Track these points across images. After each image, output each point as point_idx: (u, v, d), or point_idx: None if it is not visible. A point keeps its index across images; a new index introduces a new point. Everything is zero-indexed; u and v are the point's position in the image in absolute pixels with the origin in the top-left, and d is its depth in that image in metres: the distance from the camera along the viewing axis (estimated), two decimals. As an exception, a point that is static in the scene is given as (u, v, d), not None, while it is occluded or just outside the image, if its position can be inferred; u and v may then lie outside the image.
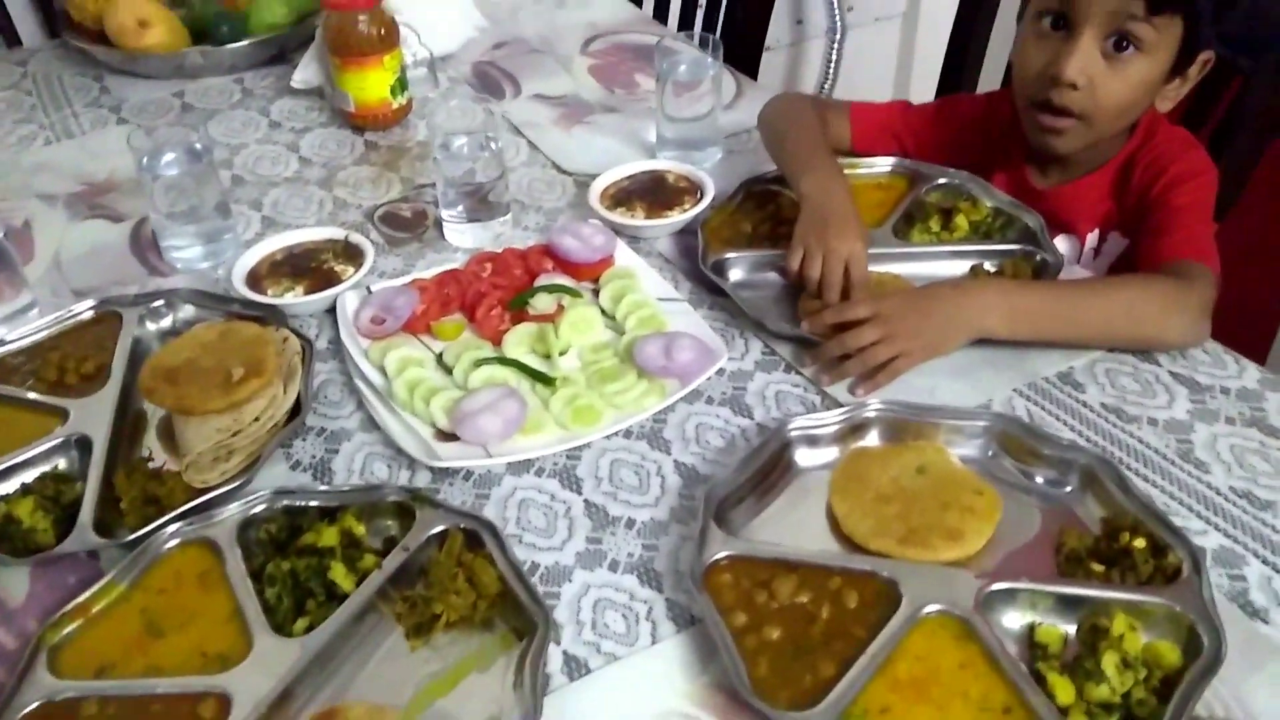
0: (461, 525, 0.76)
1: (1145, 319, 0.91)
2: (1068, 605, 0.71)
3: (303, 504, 0.79)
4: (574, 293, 0.99)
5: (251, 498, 0.79)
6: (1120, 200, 1.07)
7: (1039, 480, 0.82)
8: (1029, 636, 0.70)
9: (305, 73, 1.40)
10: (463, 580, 0.73)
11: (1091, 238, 1.11)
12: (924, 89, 2.63)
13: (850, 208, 0.99)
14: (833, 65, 2.49)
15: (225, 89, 1.46)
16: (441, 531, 0.76)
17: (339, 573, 0.74)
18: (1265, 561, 0.75)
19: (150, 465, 0.86)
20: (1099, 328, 0.92)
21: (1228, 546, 0.76)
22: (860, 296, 0.94)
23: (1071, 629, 0.70)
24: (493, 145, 1.09)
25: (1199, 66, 1.00)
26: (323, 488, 0.82)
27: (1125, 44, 0.95)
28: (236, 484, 0.82)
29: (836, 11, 2.42)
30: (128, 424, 0.90)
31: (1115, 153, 1.06)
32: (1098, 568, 0.73)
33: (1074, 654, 0.69)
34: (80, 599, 0.72)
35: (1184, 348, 0.93)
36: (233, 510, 0.78)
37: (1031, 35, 1.00)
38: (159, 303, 1.01)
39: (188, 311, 1.02)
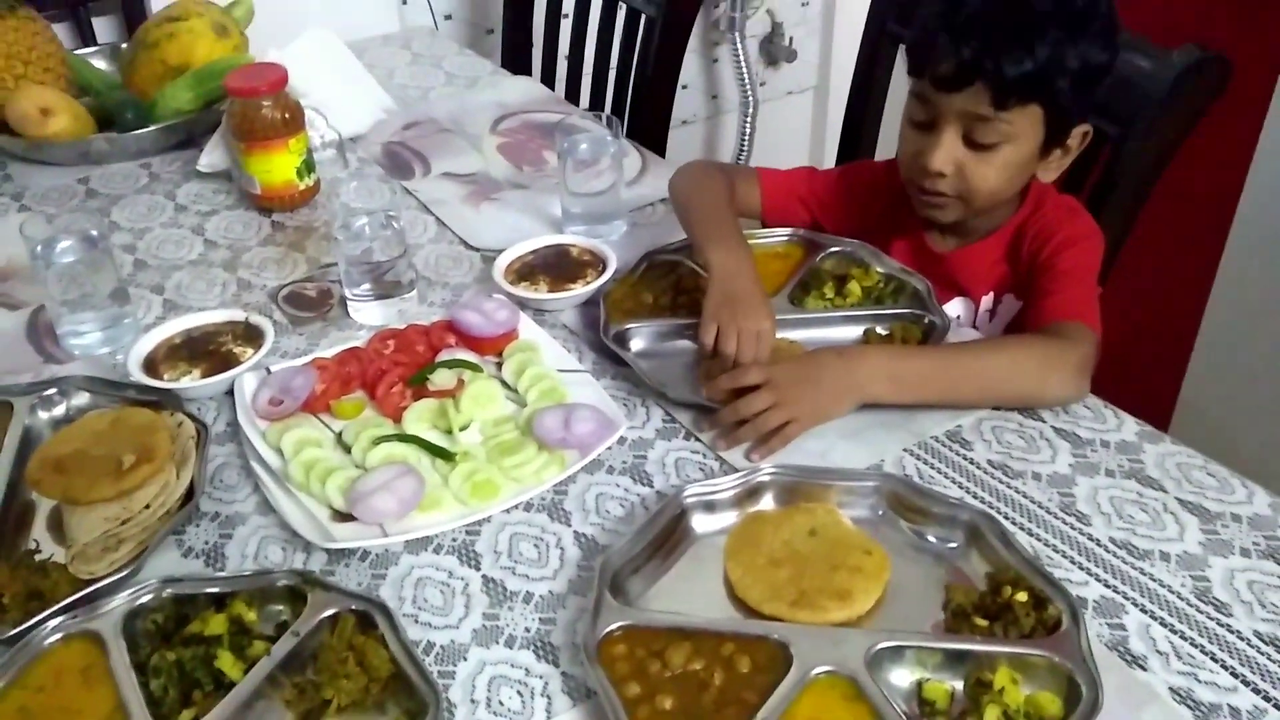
0: (353, 607, 0.76)
1: (1024, 377, 0.95)
2: (954, 660, 0.72)
3: (191, 592, 0.78)
4: (475, 367, 1.00)
5: (138, 587, 0.77)
6: (1013, 264, 1.12)
7: (929, 538, 0.84)
8: (918, 694, 0.71)
9: (211, 156, 1.41)
10: (353, 663, 0.72)
11: (986, 300, 1.15)
12: (838, 159, 2.72)
13: (757, 284, 1.02)
14: (747, 138, 2.57)
15: (131, 174, 1.45)
16: (334, 614, 0.76)
17: (226, 661, 0.72)
18: (1143, 610, 0.78)
19: (37, 558, 0.84)
20: (981, 388, 0.95)
21: (1108, 596, 0.79)
22: (752, 364, 0.96)
23: (959, 684, 0.71)
24: (394, 224, 1.10)
25: (1079, 139, 1.05)
26: (212, 574, 0.81)
27: (979, 141, 1.00)
28: (123, 574, 0.80)
29: (749, 87, 2.50)
30: (13, 515, 0.88)
31: (1007, 219, 1.10)
32: (982, 622, 0.74)
33: (960, 709, 0.70)
34: (-46, 700, 0.70)
35: (1063, 404, 0.96)
36: (119, 601, 0.77)
37: (907, 125, 1.06)
38: (52, 390, 1.00)
39: (82, 399, 1.00)
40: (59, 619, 0.75)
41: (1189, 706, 0.70)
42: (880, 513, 0.85)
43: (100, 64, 1.64)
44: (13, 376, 1.05)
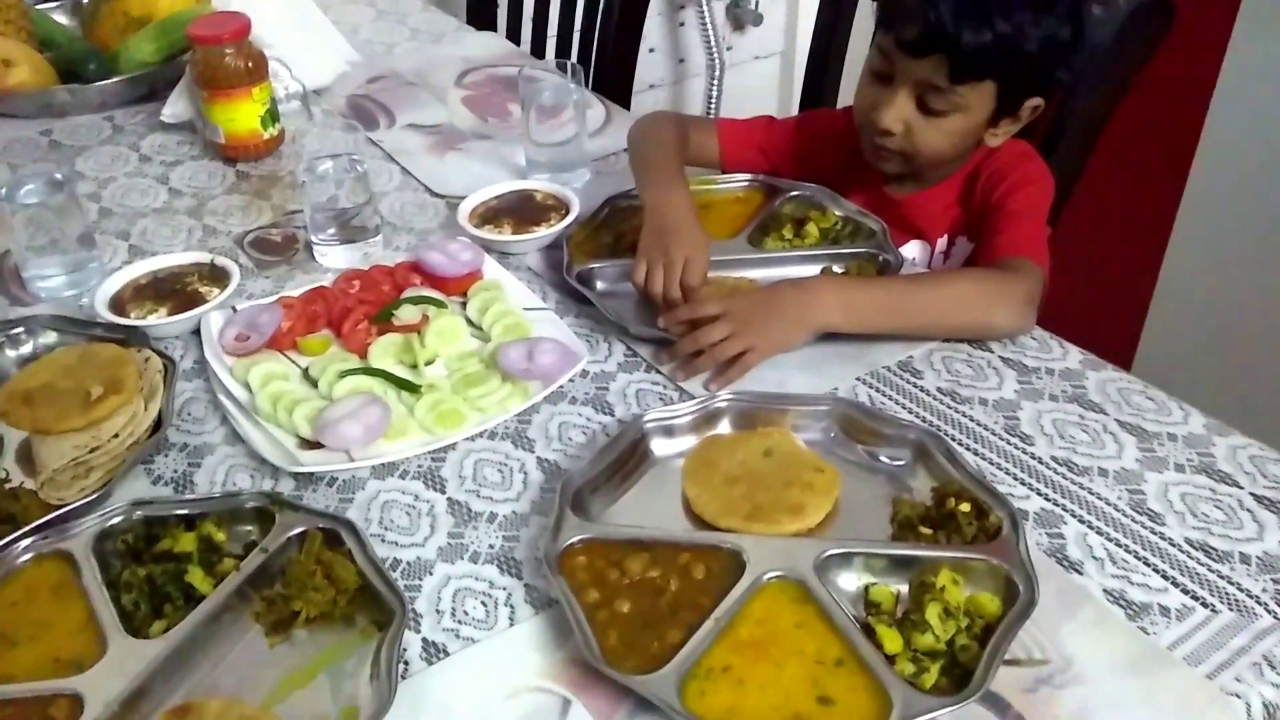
0: (320, 525, 0.78)
1: (973, 308, 0.98)
2: (899, 566, 0.75)
3: (161, 514, 0.80)
4: (439, 303, 1.02)
5: (108, 510, 0.79)
6: (966, 207, 1.15)
7: (881, 459, 0.87)
8: (864, 597, 0.74)
9: (175, 107, 1.41)
10: (321, 577, 0.74)
11: (941, 243, 1.18)
12: (801, 121, 2.75)
13: (687, 216, 1.04)
14: (714, 102, 2.58)
15: (95, 126, 1.45)
16: (301, 533, 0.78)
17: (196, 576, 0.75)
18: (1081, 520, 0.81)
19: (6, 486, 0.85)
20: (931, 318, 0.98)
21: (1048, 509, 0.82)
22: (708, 296, 0.98)
23: (904, 588, 0.75)
24: (358, 168, 1.12)
25: (1029, 111, 1.07)
26: (182, 498, 0.83)
27: (931, 107, 1.03)
28: (93, 498, 0.82)
29: (715, 50, 2.51)
30: (-17, 448, 0.89)
31: (961, 165, 1.13)
32: (927, 531, 0.78)
33: (904, 610, 0.73)
34: (-73, 614, 0.72)
35: (1010, 334, 0.99)
36: (89, 522, 0.78)
37: (866, 78, 1.08)
38: (19, 330, 1.01)
39: (49, 337, 1.01)
40: (30, 539, 0.77)
41: (1121, 606, 0.74)
42: (832, 435, 0.88)
43: (61, 19, 1.63)
44: (-21, 318, 1.06)
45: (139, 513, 0.79)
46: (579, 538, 0.77)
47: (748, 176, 1.22)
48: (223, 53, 1.28)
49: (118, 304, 1.04)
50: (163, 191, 1.30)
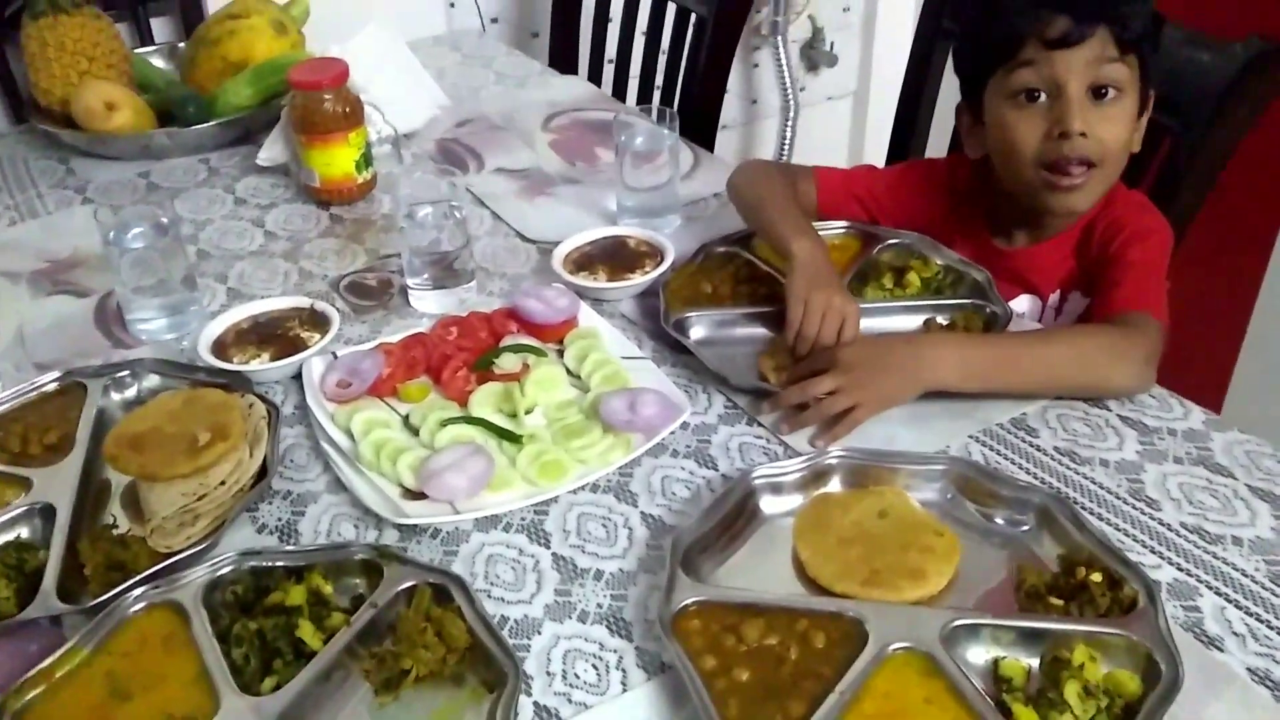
0: (430, 580, 0.77)
1: (1091, 367, 0.95)
2: (1029, 639, 0.72)
3: (269, 564, 0.79)
4: (539, 352, 1.01)
5: (217, 560, 0.79)
6: (1082, 260, 1.10)
7: (997, 521, 0.84)
8: (993, 671, 0.71)
9: (271, 150, 1.43)
10: (431, 634, 0.73)
11: (1053, 297, 1.14)
12: (877, 163, 2.72)
13: (834, 272, 1.03)
14: (787, 143, 2.57)
15: (191, 168, 1.48)
16: (410, 587, 0.76)
17: (307, 630, 0.73)
18: (1217, 593, 0.77)
19: (115, 532, 0.86)
20: (1047, 376, 0.95)
21: (1181, 579, 0.78)
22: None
23: (1034, 662, 0.71)
24: (457, 214, 1.12)
25: (1149, 104, 1.05)
26: (289, 548, 0.82)
27: (1104, 90, 0.99)
28: (201, 547, 0.82)
29: (790, 91, 2.51)
30: (92, 492, 0.90)
31: (1078, 217, 1.10)
32: (1057, 602, 0.74)
33: (1038, 687, 0.70)
34: (43, 665, 0.71)
35: (1130, 394, 0.96)
36: (199, 573, 0.78)
37: (1014, 113, 1.03)
38: (124, 373, 1.02)
39: (152, 381, 1.02)
40: (141, 589, 0.77)
41: (1268, 686, 0.70)
42: (949, 496, 0.86)
43: (158, 62, 1.67)
44: (83, 360, 1.07)
45: (248, 563, 0.79)
46: (693, 600, 0.75)
47: (844, 223, 1.20)
48: (321, 98, 1.30)
49: (220, 348, 1.04)
50: (259, 234, 1.32)
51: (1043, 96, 1.01)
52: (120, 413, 0.99)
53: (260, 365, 1.01)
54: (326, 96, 1.30)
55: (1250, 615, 0.75)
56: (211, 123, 1.48)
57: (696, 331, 1.07)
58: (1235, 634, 0.74)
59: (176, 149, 1.49)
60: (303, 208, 1.38)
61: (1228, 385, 1.99)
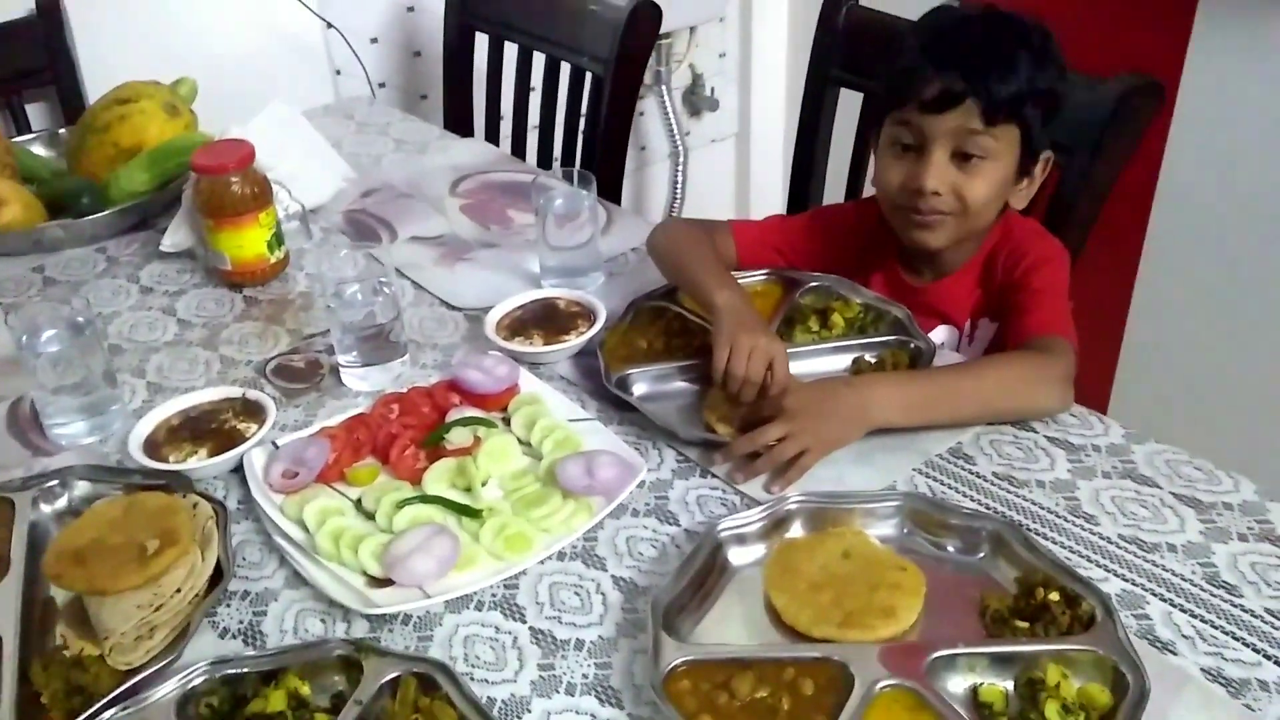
0: (413, 670, 0.76)
1: (1018, 392, 1.00)
2: (1002, 663, 0.75)
3: (241, 671, 0.77)
4: (489, 423, 1.01)
5: (186, 672, 0.76)
6: (986, 289, 1.18)
7: (951, 550, 0.88)
8: (973, 698, 0.74)
9: (175, 236, 1.39)
10: (422, 725, 0.72)
11: (966, 326, 1.21)
12: (762, 200, 2.82)
13: (761, 319, 1.07)
14: (679, 186, 2.63)
15: (88, 259, 1.43)
16: (393, 679, 0.75)
17: (293, 736, 0.72)
18: (1162, 599, 0.82)
19: (67, 654, 0.82)
20: (980, 406, 1.00)
21: (1128, 589, 0.83)
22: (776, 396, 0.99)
23: (1009, 684, 0.75)
24: (386, 289, 1.11)
25: (1042, 165, 1.12)
26: (263, 651, 0.80)
27: (970, 156, 1.06)
28: (166, 661, 0.79)
29: (677, 136, 2.57)
30: (36, 614, 0.85)
31: (978, 250, 1.17)
32: (1022, 624, 0.78)
33: (1017, 708, 0.73)
34: (12, 807, 0.68)
35: (1053, 414, 1.02)
36: (169, 688, 0.75)
37: (889, 157, 1.11)
38: (52, 482, 0.97)
39: (83, 489, 0.98)
40: (109, 712, 0.74)
41: (1221, 684, 0.75)
42: (905, 530, 0.89)
43: (39, 150, 1.61)
44: (3, 472, 1.02)
45: (220, 671, 0.76)
46: (680, 660, 0.76)
47: (765, 270, 1.24)
48: (228, 181, 1.27)
49: (152, 447, 1.01)
50: (171, 323, 1.28)
51: (913, 150, 1.08)
52: (54, 526, 0.95)
53: (199, 462, 0.98)
54: (234, 179, 1.28)
55: (1195, 617, 0.81)
56: (107, 211, 1.43)
57: (639, 388, 1.09)
58: (1185, 637, 0.79)
59: (71, 240, 1.44)
60: (214, 292, 1.34)
61: (1109, 391, 2.12)
